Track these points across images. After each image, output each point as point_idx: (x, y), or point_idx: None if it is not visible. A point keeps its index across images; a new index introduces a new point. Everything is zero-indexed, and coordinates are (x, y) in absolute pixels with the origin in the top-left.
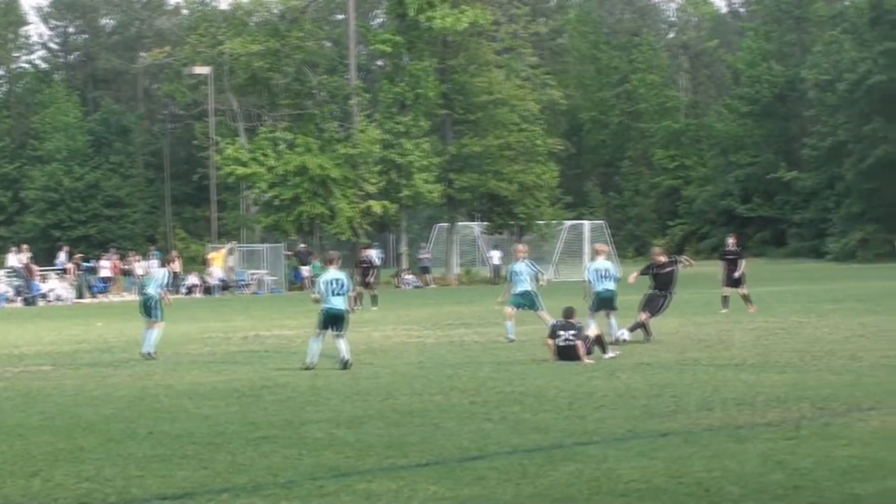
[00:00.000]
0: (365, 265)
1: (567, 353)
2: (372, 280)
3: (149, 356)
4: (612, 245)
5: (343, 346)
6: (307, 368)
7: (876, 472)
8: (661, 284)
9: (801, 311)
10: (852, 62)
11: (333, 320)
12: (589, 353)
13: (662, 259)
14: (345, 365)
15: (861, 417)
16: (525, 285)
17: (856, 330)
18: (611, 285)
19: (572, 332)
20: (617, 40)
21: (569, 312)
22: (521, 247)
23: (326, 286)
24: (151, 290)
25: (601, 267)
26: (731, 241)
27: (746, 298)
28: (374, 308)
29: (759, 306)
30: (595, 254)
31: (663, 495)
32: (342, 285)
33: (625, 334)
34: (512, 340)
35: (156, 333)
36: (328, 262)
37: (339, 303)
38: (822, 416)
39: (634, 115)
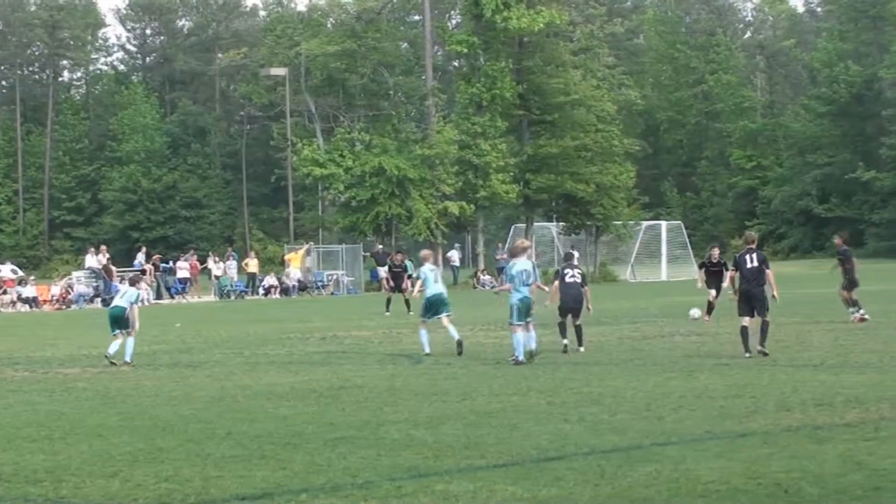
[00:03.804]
0: (397, 270)
1: (572, 290)
2: (405, 285)
3: (126, 364)
4: (689, 246)
5: (532, 334)
6: (518, 363)
7: None
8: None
9: (880, 312)
10: None
11: (527, 309)
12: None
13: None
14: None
15: None
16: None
17: None
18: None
19: (579, 271)
20: (694, 40)
21: (569, 256)
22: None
23: (518, 276)
24: (124, 302)
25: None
26: (715, 252)
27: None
28: (410, 313)
29: (836, 306)
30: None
31: (742, 496)
32: (529, 275)
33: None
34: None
35: (131, 342)
36: (517, 252)
37: (526, 291)
38: None
39: (711, 114)
